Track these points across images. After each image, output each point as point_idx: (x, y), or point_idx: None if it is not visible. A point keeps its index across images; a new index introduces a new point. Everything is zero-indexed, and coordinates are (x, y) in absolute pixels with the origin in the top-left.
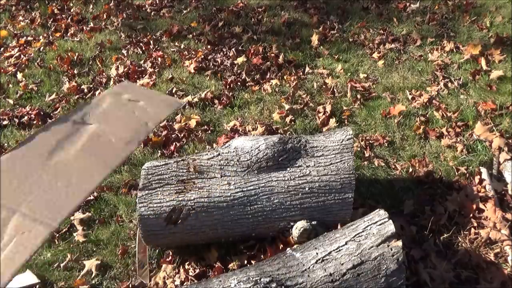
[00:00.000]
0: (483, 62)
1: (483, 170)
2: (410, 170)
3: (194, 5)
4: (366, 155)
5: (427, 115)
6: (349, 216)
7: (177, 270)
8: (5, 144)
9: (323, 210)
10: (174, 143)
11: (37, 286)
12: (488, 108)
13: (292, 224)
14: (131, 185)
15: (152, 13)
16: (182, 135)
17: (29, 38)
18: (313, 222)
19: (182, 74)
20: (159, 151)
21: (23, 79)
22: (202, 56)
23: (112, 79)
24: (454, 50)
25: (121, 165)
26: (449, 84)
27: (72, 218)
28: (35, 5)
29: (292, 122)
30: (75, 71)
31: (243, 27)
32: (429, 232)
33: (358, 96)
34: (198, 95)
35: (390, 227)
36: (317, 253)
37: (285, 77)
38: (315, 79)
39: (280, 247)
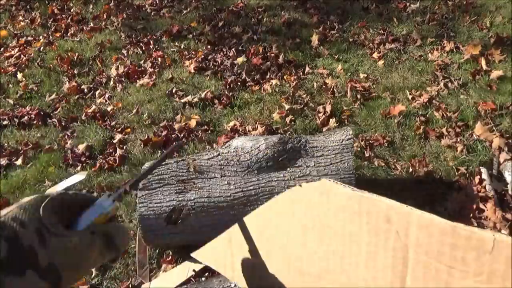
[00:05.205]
0: (483, 62)
1: (483, 170)
2: (410, 170)
3: (194, 5)
4: (366, 155)
5: (427, 115)
6: None
7: None
8: (5, 144)
9: None
10: (174, 143)
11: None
12: (488, 108)
13: None
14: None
15: (152, 13)
16: (182, 135)
17: (29, 38)
18: None
19: (182, 74)
20: (159, 151)
21: (23, 79)
22: (202, 56)
23: (112, 79)
24: (454, 50)
25: (121, 165)
26: (449, 84)
27: None
28: (35, 5)
29: (292, 122)
30: (75, 71)
31: (243, 27)
32: None
33: (358, 96)
34: (198, 95)
35: None
36: None
37: (285, 77)
38: (315, 79)
39: None
